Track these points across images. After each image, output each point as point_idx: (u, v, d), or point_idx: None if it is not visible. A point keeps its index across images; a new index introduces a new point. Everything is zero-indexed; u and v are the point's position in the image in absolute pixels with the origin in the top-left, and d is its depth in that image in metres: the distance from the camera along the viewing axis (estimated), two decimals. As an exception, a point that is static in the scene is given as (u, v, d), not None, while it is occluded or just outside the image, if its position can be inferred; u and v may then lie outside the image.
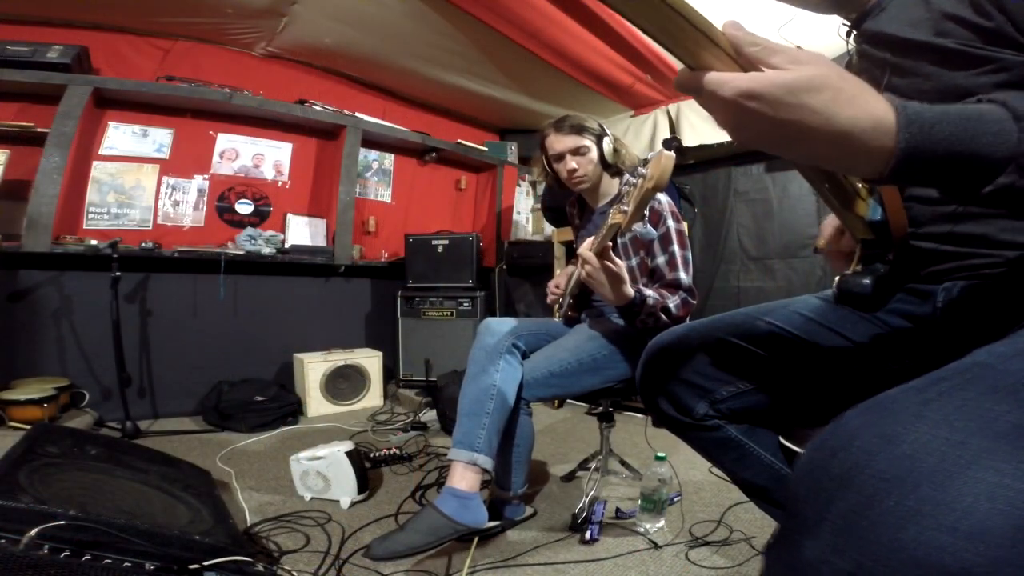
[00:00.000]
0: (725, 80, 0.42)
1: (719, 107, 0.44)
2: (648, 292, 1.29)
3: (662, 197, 1.41)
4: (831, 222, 0.82)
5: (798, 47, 0.43)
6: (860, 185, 0.63)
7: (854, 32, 0.74)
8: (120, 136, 2.64)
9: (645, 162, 0.92)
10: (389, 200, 3.58)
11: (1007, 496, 0.31)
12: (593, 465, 1.75)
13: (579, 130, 1.49)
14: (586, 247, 1.21)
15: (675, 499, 1.60)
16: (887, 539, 0.32)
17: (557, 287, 1.70)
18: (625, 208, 0.98)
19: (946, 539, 0.30)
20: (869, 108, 0.41)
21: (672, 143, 0.84)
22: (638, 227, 1.03)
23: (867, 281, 0.65)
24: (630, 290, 1.24)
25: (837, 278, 0.70)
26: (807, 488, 0.39)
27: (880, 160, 0.42)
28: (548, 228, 3.38)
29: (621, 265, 1.20)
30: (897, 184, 0.45)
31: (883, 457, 0.35)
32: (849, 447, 0.37)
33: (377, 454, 1.93)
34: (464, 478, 1.27)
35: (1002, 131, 0.42)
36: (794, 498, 0.40)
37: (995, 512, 0.30)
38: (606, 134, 1.51)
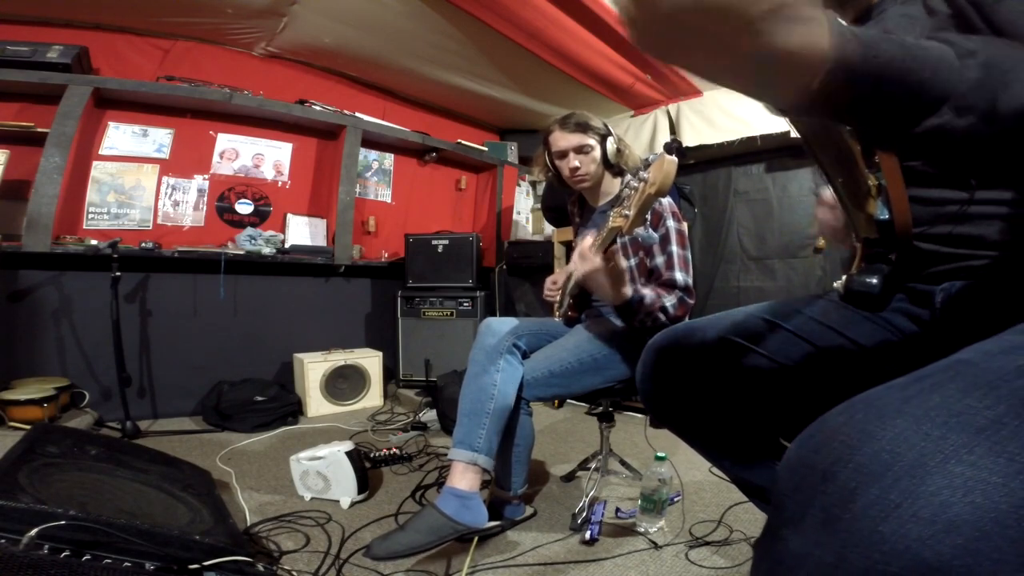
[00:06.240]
0: None
1: None
2: (645, 291, 1.30)
3: (663, 198, 1.41)
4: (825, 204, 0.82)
5: None
6: (871, 183, 0.63)
7: None
8: (120, 136, 2.63)
9: (647, 164, 0.91)
10: (389, 200, 3.58)
11: (983, 489, 0.31)
12: (593, 465, 1.75)
13: (584, 128, 1.48)
14: (587, 245, 1.21)
15: (675, 499, 1.60)
16: (868, 531, 0.32)
17: (555, 283, 1.69)
18: (627, 212, 0.97)
19: (925, 531, 0.30)
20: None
21: (674, 146, 0.84)
22: (639, 231, 1.02)
23: (874, 280, 0.65)
24: (628, 290, 1.24)
25: (844, 277, 0.70)
26: (791, 482, 0.39)
27: (807, 69, 0.37)
28: (548, 228, 3.38)
29: (624, 266, 1.20)
30: (819, 109, 0.40)
31: (864, 451, 0.35)
32: (832, 442, 0.38)
33: (377, 454, 1.93)
34: (464, 478, 1.27)
35: (942, 66, 0.40)
36: (779, 492, 0.40)
37: (971, 505, 0.31)
38: (610, 134, 1.51)
